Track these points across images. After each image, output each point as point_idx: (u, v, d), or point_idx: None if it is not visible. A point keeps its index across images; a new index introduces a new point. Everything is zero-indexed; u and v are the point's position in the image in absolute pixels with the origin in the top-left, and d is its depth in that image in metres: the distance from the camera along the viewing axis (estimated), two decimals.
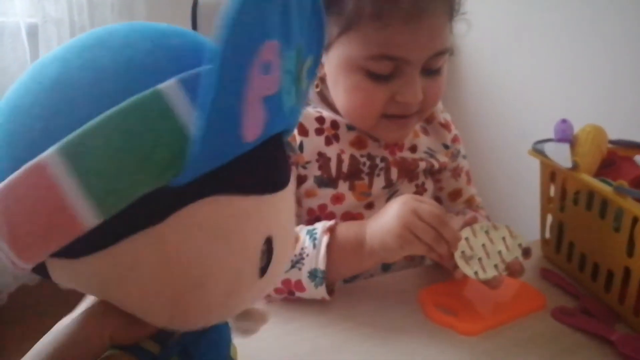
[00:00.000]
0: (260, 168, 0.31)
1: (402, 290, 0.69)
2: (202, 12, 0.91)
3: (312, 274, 0.62)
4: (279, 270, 0.35)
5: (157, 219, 0.28)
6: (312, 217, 0.74)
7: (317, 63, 0.34)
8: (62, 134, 0.26)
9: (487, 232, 0.64)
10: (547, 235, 0.80)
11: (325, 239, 0.62)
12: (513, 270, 0.63)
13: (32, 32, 1.60)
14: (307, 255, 0.62)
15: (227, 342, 0.39)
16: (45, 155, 0.26)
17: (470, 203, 0.87)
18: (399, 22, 0.62)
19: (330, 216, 0.73)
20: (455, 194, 0.86)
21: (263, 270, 0.32)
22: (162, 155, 0.26)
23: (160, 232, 0.28)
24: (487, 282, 0.63)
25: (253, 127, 0.27)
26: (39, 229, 0.27)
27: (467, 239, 0.63)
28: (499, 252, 0.63)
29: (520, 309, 0.66)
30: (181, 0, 0.92)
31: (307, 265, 0.62)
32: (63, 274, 0.31)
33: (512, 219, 1.23)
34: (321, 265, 0.61)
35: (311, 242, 0.63)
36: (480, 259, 0.62)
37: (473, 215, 0.66)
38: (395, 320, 0.63)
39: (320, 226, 0.64)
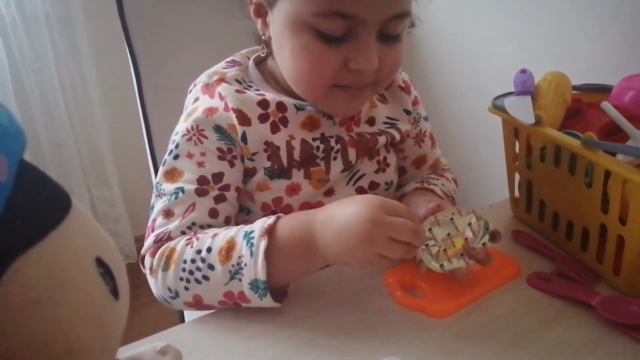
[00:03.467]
0: (42, 202, 0.29)
1: (365, 273, 0.63)
2: None
3: (254, 285, 0.54)
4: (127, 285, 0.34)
5: None
6: (267, 213, 0.67)
7: None
8: None
9: (451, 220, 0.58)
10: (517, 193, 0.75)
11: (262, 245, 0.54)
12: (478, 259, 0.58)
13: None
14: (245, 264, 0.54)
15: None
16: None
17: (435, 167, 0.82)
18: None
19: (287, 209, 0.67)
20: (420, 161, 0.80)
21: (115, 292, 0.31)
22: None
23: None
24: (453, 273, 0.59)
25: None
26: None
27: (430, 230, 0.58)
28: (466, 240, 0.58)
29: (493, 281, 0.61)
30: None
31: (247, 276, 0.54)
32: None
33: (480, 178, 1.19)
34: (261, 275, 0.54)
35: (248, 248, 0.55)
36: (445, 250, 0.57)
37: (435, 204, 0.60)
38: (362, 310, 0.58)
39: (257, 227, 0.56)
